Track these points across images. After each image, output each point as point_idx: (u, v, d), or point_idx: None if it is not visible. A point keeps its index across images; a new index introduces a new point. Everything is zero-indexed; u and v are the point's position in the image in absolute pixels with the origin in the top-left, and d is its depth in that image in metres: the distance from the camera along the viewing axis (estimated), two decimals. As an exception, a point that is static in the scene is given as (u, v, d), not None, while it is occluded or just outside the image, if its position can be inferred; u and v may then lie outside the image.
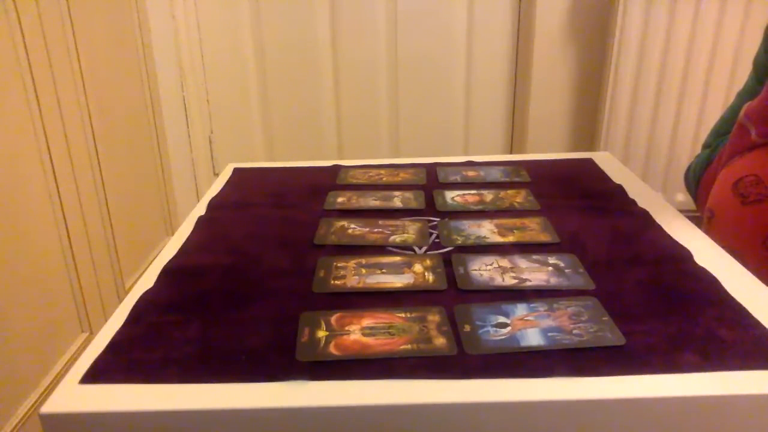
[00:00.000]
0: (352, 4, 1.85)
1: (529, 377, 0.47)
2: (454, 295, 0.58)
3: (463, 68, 1.93)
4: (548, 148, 1.92)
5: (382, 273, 0.62)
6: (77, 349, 1.23)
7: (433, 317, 0.54)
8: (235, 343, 0.51)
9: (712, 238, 0.68)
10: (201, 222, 0.76)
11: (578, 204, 0.79)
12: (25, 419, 1.06)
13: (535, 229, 0.72)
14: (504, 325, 0.53)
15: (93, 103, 1.32)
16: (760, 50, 0.88)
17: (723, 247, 0.66)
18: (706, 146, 0.94)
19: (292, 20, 1.86)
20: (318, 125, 1.97)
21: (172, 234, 0.73)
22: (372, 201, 0.82)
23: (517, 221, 0.74)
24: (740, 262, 0.63)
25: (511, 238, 0.70)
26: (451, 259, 0.65)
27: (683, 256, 0.64)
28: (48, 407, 0.45)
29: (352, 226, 0.74)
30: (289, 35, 1.88)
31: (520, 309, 0.55)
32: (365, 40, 1.89)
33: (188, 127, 1.89)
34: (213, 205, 0.82)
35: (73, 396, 0.46)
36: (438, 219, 0.76)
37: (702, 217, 0.84)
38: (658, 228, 0.71)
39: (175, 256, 0.67)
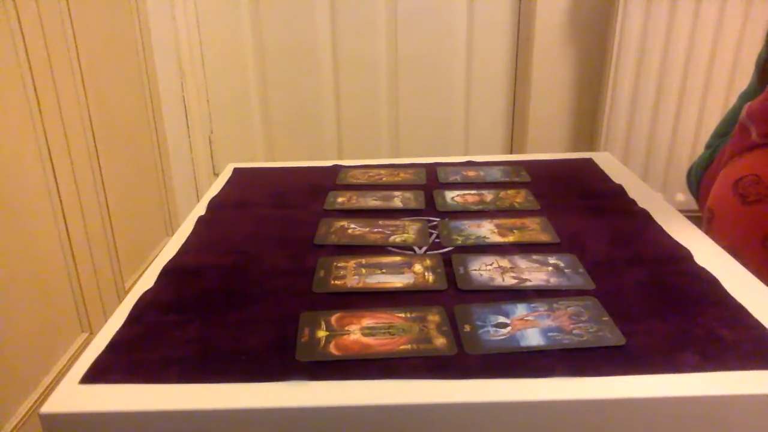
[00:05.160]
0: (352, 4, 1.85)
1: (529, 377, 0.47)
2: (454, 295, 0.58)
3: (463, 68, 1.93)
4: (548, 148, 1.92)
5: (382, 273, 0.62)
6: (77, 349, 1.23)
7: (433, 317, 0.54)
8: (235, 343, 0.51)
9: (713, 238, 0.68)
10: (201, 222, 0.76)
11: (578, 204, 0.79)
12: (25, 419, 1.06)
13: (535, 229, 0.72)
14: (504, 325, 0.53)
15: (93, 103, 1.32)
16: (762, 52, 0.88)
17: (723, 246, 0.66)
18: (707, 147, 0.94)
19: (292, 20, 1.86)
20: (318, 125, 1.97)
21: (172, 234, 0.73)
22: (372, 201, 0.82)
23: (517, 221, 0.74)
24: (740, 262, 0.63)
25: (511, 238, 0.70)
26: (451, 259, 0.65)
27: (683, 256, 0.64)
28: (48, 407, 0.45)
29: (352, 226, 0.74)
30: (289, 35, 1.88)
31: (520, 309, 0.55)
32: (365, 40, 1.89)
33: (188, 127, 1.89)
34: (213, 205, 0.82)
35: (73, 396, 0.46)
36: (438, 219, 0.76)
37: (702, 217, 0.84)
38: (658, 228, 0.71)
39: (175, 256, 0.67)
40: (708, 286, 0.58)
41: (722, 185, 0.79)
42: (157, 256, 0.67)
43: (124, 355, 0.50)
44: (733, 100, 0.93)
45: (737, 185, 0.76)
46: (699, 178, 0.92)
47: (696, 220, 0.74)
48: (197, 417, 0.45)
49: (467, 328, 0.52)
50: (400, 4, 1.85)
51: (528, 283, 0.60)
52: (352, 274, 0.62)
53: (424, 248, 0.68)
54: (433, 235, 0.71)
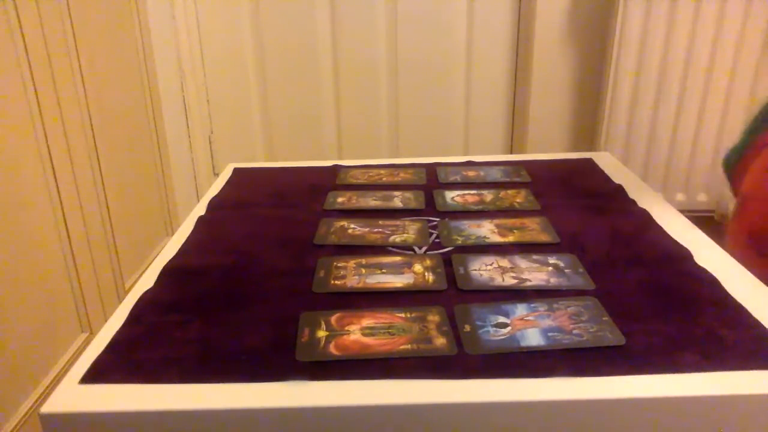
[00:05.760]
0: (352, 5, 1.85)
1: (529, 377, 0.47)
2: (454, 295, 0.58)
3: (463, 68, 1.93)
4: (548, 148, 1.92)
5: (382, 273, 0.62)
6: (77, 349, 1.23)
7: (433, 317, 0.54)
8: (235, 343, 0.51)
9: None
10: (201, 222, 0.76)
11: (578, 204, 0.79)
12: (25, 419, 1.06)
13: (535, 229, 0.72)
14: (504, 325, 0.53)
15: (93, 103, 1.32)
16: None
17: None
18: (746, 132, 0.94)
19: (292, 20, 1.86)
20: (318, 125, 1.97)
21: (172, 234, 0.73)
22: (372, 201, 0.82)
23: (517, 221, 0.74)
24: None
25: (511, 238, 0.70)
26: (451, 259, 0.65)
27: (683, 256, 0.64)
28: (48, 407, 0.45)
29: (352, 226, 0.74)
30: (289, 35, 1.88)
31: (520, 309, 0.55)
32: (365, 41, 1.89)
33: (188, 127, 1.89)
34: (213, 205, 0.82)
35: (73, 396, 0.46)
36: (438, 219, 0.76)
37: (736, 202, 0.84)
38: (658, 228, 0.71)
39: (175, 256, 0.67)
40: (708, 286, 0.58)
41: (757, 170, 0.80)
42: (157, 256, 0.67)
43: (124, 355, 0.50)
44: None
45: None
46: (734, 164, 0.92)
47: (696, 220, 0.74)
48: (197, 417, 0.45)
49: (467, 328, 0.52)
50: (400, 4, 1.85)
51: (528, 283, 0.60)
52: (352, 274, 0.62)
53: (424, 248, 0.68)
54: (433, 235, 0.71)
